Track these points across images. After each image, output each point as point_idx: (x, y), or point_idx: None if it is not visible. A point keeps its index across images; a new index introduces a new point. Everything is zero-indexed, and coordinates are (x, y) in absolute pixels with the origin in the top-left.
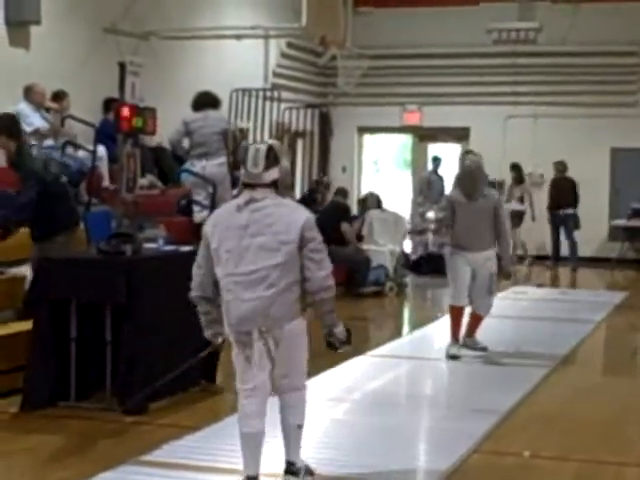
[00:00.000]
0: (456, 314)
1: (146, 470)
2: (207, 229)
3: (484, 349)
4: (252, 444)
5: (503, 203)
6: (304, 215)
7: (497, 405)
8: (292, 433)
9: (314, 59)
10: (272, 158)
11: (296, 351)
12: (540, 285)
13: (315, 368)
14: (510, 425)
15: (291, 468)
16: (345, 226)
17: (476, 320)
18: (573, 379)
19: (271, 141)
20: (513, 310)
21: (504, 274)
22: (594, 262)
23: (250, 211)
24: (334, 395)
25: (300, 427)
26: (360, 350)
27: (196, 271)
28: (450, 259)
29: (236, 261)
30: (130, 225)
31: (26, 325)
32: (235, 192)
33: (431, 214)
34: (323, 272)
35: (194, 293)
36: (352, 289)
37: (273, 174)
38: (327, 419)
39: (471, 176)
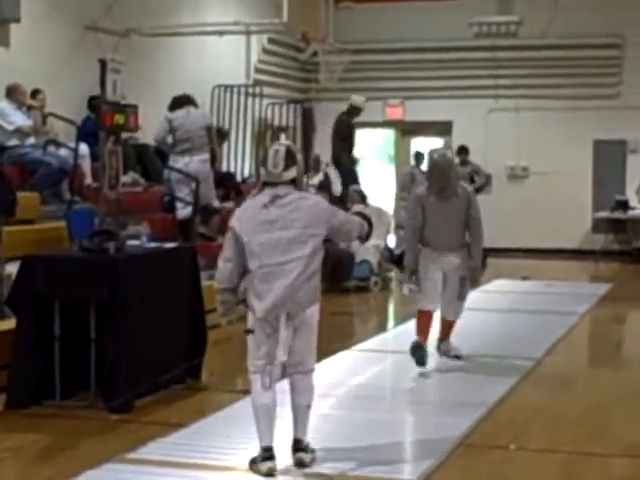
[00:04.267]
0: (425, 318)
1: (132, 468)
2: (235, 225)
3: (458, 357)
4: (266, 415)
5: (476, 199)
6: (325, 207)
7: (482, 398)
8: (302, 413)
9: (296, 54)
10: (291, 158)
11: (312, 335)
12: (525, 278)
13: None
14: (496, 418)
15: (300, 445)
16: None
17: (447, 326)
18: (558, 371)
19: (288, 142)
20: (498, 303)
21: (472, 275)
22: (578, 254)
23: (277, 207)
24: (319, 390)
25: (309, 407)
26: (345, 345)
27: (224, 265)
28: (423, 261)
29: (269, 253)
30: (113, 222)
31: (9, 324)
32: (254, 192)
33: None
34: (354, 233)
35: (222, 285)
36: (336, 284)
37: (292, 173)
38: (313, 414)
39: (441, 172)
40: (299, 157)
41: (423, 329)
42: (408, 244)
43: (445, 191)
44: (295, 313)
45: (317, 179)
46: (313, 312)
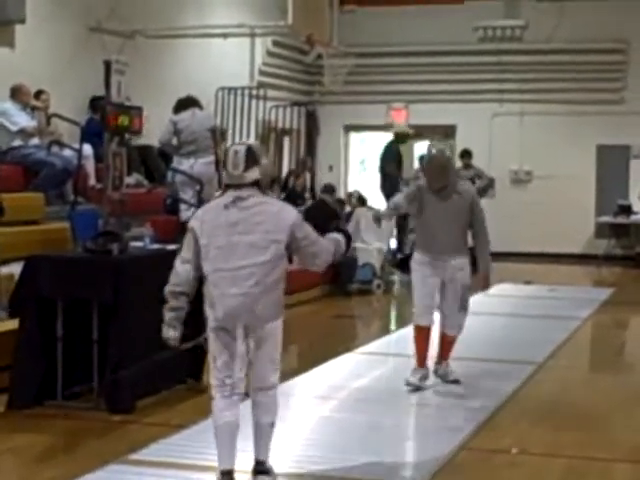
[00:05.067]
0: (422, 336)
1: (134, 469)
2: (194, 225)
3: (457, 382)
4: (227, 436)
5: (478, 199)
6: (292, 214)
7: (485, 402)
8: (264, 432)
9: (300, 57)
10: (252, 159)
11: (274, 350)
12: (528, 282)
13: (302, 366)
14: (498, 422)
15: (261, 467)
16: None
17: (447, 343)
18: (561, 376)
19: (250, 142)
20: (500, 307)
21: (482, 281)
22: (581, 259)
23: (238, 209)
24: (321, 392)
25: (272, 425)
26: (347, 347)
27: (181, 266)
28: (415, 267)
29: (225, 257)
30: (117, 224)
31: (12, 324)
32: (217, 193)
33: None
34: (322, 257)
35: (177, 289)
36: (339, 287)
37: (254, 174)
38: (314, 416)
39: (439, 168)
40: (263, 158)
41: (420, 352)
42: (402, 199)
43: (444, 189)
44: (253, 327)
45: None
46: (275, 328)
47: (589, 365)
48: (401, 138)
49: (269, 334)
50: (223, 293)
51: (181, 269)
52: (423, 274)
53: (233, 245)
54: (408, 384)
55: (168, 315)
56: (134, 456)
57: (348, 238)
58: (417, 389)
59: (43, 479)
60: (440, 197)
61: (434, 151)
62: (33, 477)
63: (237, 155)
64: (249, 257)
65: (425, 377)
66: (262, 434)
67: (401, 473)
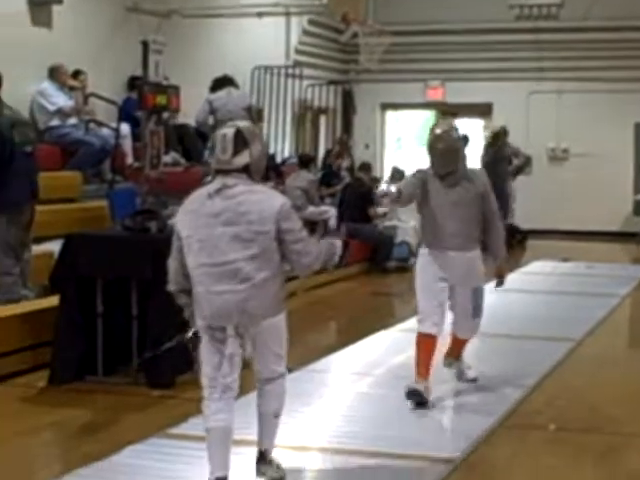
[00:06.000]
0: (426, 345)
1: (174, 443)
2: (177, 219)
3: (474, 380)
4: (220, 440)
5: (490, 187)
6: (278, 203)
7: (523, 379)
8: (268, 421)
9: (336, 36)
10: (241, 142)
11: (276, 346)
12: (565, 259)
13: (340, 342)
14: (536, 399)
15: (264, 457)
16: (372, 211)
17: (459, 343)
18: (599, 353)
19: (241, 124)
20: (538, 285)
21: (497, 276)
22: (619, 237)
23: (222, 198)
24: (359, 369)
25: (277, 416)
26: (384, 325)
27: (170, 263)
28: (420, 266)
29: (209, 251)
30: (154, 202)
31: (52, 301)
32: (208, 179)
33: None
34: (306, 260)
35: (172, 287)
36: (377, 265)
37: (243, 159)
38: (352, 393)
39: (445, 150)
40: (255, 141)
41: (423, 364)
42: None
43: (451, 176)
44: (245, 326)
45: (345, 163)
46: (274, 324)
47: (627, 342)
48: (501, 137)
49: (268, 331)
50: (208, 290)
51: (171, 266)
52: (429, 274)
53: (216, 238)
54: (408, 389)
55: (185, 312)
56: (174, 430)
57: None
58: (421, 402)
59: (84, 453)
60: (447, 184)
61: (439, 131)
62: (74, 451)
63: (225, 138)
64: (233, 252)
65: (428, 388)
66: (266, 424)
67: (440, 448)
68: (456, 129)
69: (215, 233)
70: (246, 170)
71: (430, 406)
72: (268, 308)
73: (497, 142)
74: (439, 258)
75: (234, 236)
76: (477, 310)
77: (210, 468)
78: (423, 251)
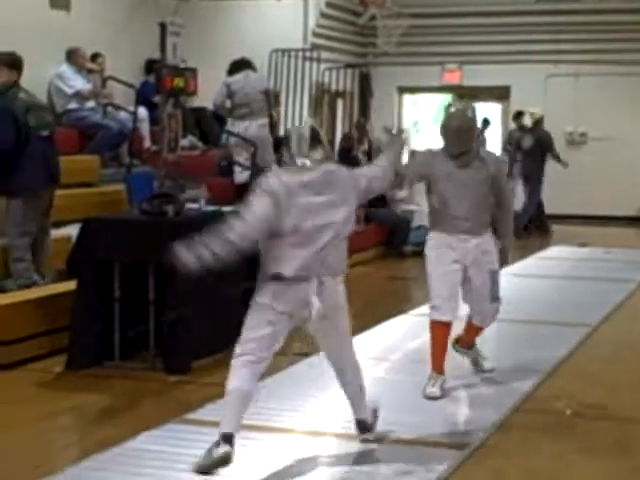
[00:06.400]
0: (441, 334)
1: (190, 428)
2: (274, 187)
3: (490, 371)
4: (238, 401)
5: (505, 167)
6: (347, 175)
7: (539, 364)
8: (356, 393)
9: (354, 19)
10: (316, 139)
11: (344, 317)
12: (583, 244)
13: (356, 328)
14: (552, 384)
15: (362, 425)
16: (389, 195)
17: (474, 330)
18: (616, 339)
19: (309, 121)
20: (555, 270)
21: (502, 256)
22: (636, 221)
23: (310, 171)
24: (376, 354)
25: (361, 388)
26: (401, 309)
27: (246, 223)
28: (430, 251)
29: (304, 216)
30: (172, 186)
31: (69, 285)
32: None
33: None
34: (389, 174)
35: (237, 239)
36: (393, 249)
37: (318, 154)
38: (369, 377)
39: (458, 131)
40: (324, 137)
41: (439, 358)
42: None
43: (464, 156)
44: (325, 279)
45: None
46: (341, 287)
47: None
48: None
49: (338, 289)
50: (301, 251)
51: (244, 224)
52: (440, 257)
53: (312, 205)
54: (428, 397)
55: (198, 248)
56: (191, 416)
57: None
58: (437, 398)
59: (101, 438)
60: (459, 165)
61: (453, 110)
62: (92, 436)
63: (302, 136)
64: (325, 216)
65: (444, 385)
66: (353, 396)
67: (456, 434)
68: (472, 109)
69: (311, 201)
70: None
71: (446, 395)
72: (341, 264)
73: (538, 127)
74: (450, 241)
75: (324, 203)
76: (495, 294)
77: (221, 425)
78: (433, 234)
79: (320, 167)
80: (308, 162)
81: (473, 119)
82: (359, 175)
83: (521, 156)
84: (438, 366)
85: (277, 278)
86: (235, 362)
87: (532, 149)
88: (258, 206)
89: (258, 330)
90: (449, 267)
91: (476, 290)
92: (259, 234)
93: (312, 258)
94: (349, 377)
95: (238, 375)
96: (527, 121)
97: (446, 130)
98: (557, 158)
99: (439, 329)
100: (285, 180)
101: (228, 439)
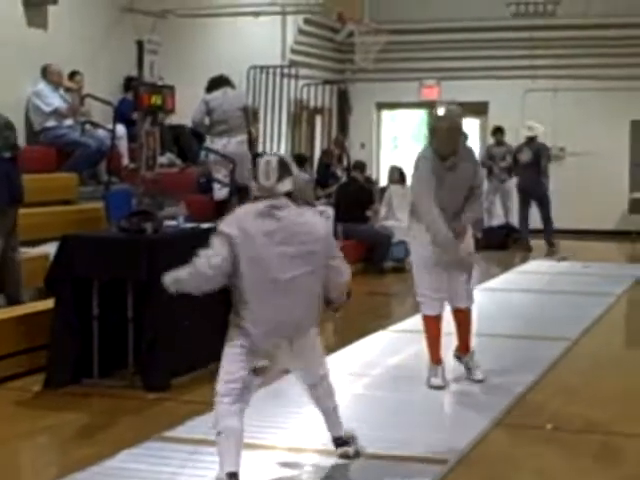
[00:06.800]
0: (433, 326)
1: (170, 446)
2: (232, 233)
3: (480, 381)
4: (231, 440)
5: (480, 166)
6: (325, 226)
7: (519, 378)
8: (329, 414)
9: (331, 35)
10: (284, 170)
11: (316, 347)
12: (562, 258)
13: (336, 344)
14: (532, 398)
15: (340, 441)
16: (370, 213)
17: (464, 319)
18: (595, 352)
19: (281, 153)
20: (534, 284)
21: (457, 231)
22: (615, 235)
23: (274, 218)
24: (355, 370)
25: (335, 409)
26: (381, 325)
27: (208, 271)
28: (418, 250)
29: (266, 268)
30: (150, 203)
31: (48, 304)
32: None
33: None
34: (343, 278)
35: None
36: (373, 265)
37: (286, 186)
38: (348, 394)
39: (449, 130)
40: (294, 168)
41: (435, 350)
42: (435, 220)
43: (452, 156)
44: (297, 339)
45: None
46: (314, 331)
47: (623, 341)
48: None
49: (312, 337)
50: (264, 307)
51: (208, 273)
52: (427, 254)
53: (274, 256)
54: (432, 387)
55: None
56: (170, 433)
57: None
58: (441, 388)
59: (80, 457)
60: (447, 166)
61: (441, 112)
62: (70, 455)
63: (269, 166)
64: (292, 269)
65: (444, 374)
66: (329, 416)
67: (435, 450)
68: (459, 110)
69: (274, 251)
70: (288, 196)
71: (448, 385)
72: (314, 319)
73: (535, 141)
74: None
75: (290, 255)
76: (469, 277)
77: (220, 466)
78: (419, 229)
79: (290, 210)
80: (278, 202)
81: (460, 119)
82: (332, 247)
83: (519, 170)
84: (435, 357)
85: (243, 333)
86: (218, 401)
87: (530, 163)
88: (215, 250)
89: (235, 373)
90: (436, 265)
91: (454, 275)
92: (217, 280)
93: (278, 317)
94: (320, 392)
95: (224, 415)
96: (528, 133)
97: (437, 131)
98: (544, 171)
99: (430, 323)
100: (247, 225)
101: (234, 476)
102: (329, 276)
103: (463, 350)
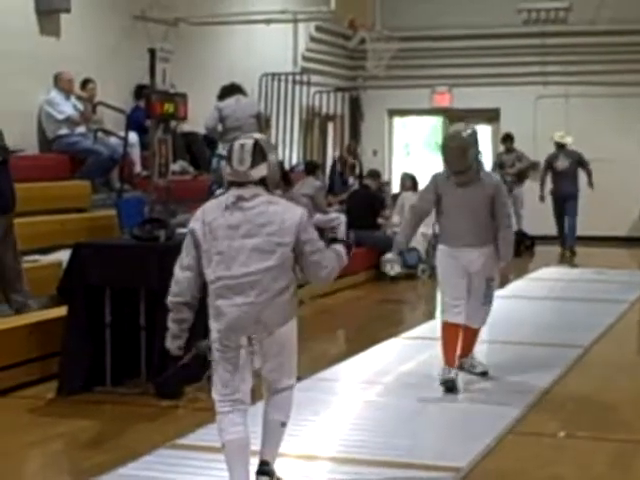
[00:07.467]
0: (451, 333)
1: (182, 453)
2: (195, 227)
3: (485, 374)
4: (237, 452)
5: (504, 189)
6: (298, 214)
7: (532, 386)
8: (273, 430)
9: (343, 42)
10: (259, 154)
11: (286, 353)
12: (574, 265)
13: (348, 351)
14: (545, 405)
15: (264, 468)
16: (382, 220)
17: (471, 335)
18: (608, 359)
19: (257, 135)
20: (547, 291)
21: (499, 271)
22: (627, 242)
23: (240, 210)
24: (367, 377)
25: (283, 425)
26: (393, 332)
27: (182, 274)
28: (440, 261)
29: (228, 263)
30: (162, 211)
31: (60, 311)
32: (219, 191)
33: None
34: (324, 272)
35: (177, 299)
36: (385, 272)
37: (261, 171)
38: (360, 401)
39: (457, 149)
40: (271, 154)
41: (451, 353)
42: (404, 223)
43: (462, 174)
44: (259, 337)
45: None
46: (284, 333)
47: (636, 348)
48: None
49: (280, 342)
50: (227, 303)
51: (181, 277)
52: (449, 267)
53: (235, 250)
54: (445, 380)
55: (172, 326)
56: (182, 441)
57: (348, 248)
58: (453, 387)
59: (92, 464)
60: (459, 184)
61: (452, 130)
62: (82, 462)
63: (243, 149)
64: (253, 263)
65: (456, 374)
66: (271, 432)
67: (447, 457)
68: (472, 130)
69: (234, 245)
70: (262, 182)
71: (460, 391)
72: (280, 317)
73: (566, 149)
74: (455, 253)
75: (253, 248)
76: (488, 298)
77: (229, 478)
78: (442, 247)
79: (259, 199)
80: (248, 192)
81: (470, 139)
82: (310, 239)
83: (555, 178)
84: (450, 361)
85: (213, 330)
86: (217, 412)
87: (567, 170)
88: (184, 254)
89: (221, 376)
90: (455, 276)
91: (474, 292)
92: (198, 281)
93: (235, 312)
94: (277, 400)
95: (226, 425)
96: (564, 140)
97: (445, 149)
98: (520, 176)
99: (449, 329)
100: (211, 219)
101: None
102: (310, 272)
103: (465, 353)
